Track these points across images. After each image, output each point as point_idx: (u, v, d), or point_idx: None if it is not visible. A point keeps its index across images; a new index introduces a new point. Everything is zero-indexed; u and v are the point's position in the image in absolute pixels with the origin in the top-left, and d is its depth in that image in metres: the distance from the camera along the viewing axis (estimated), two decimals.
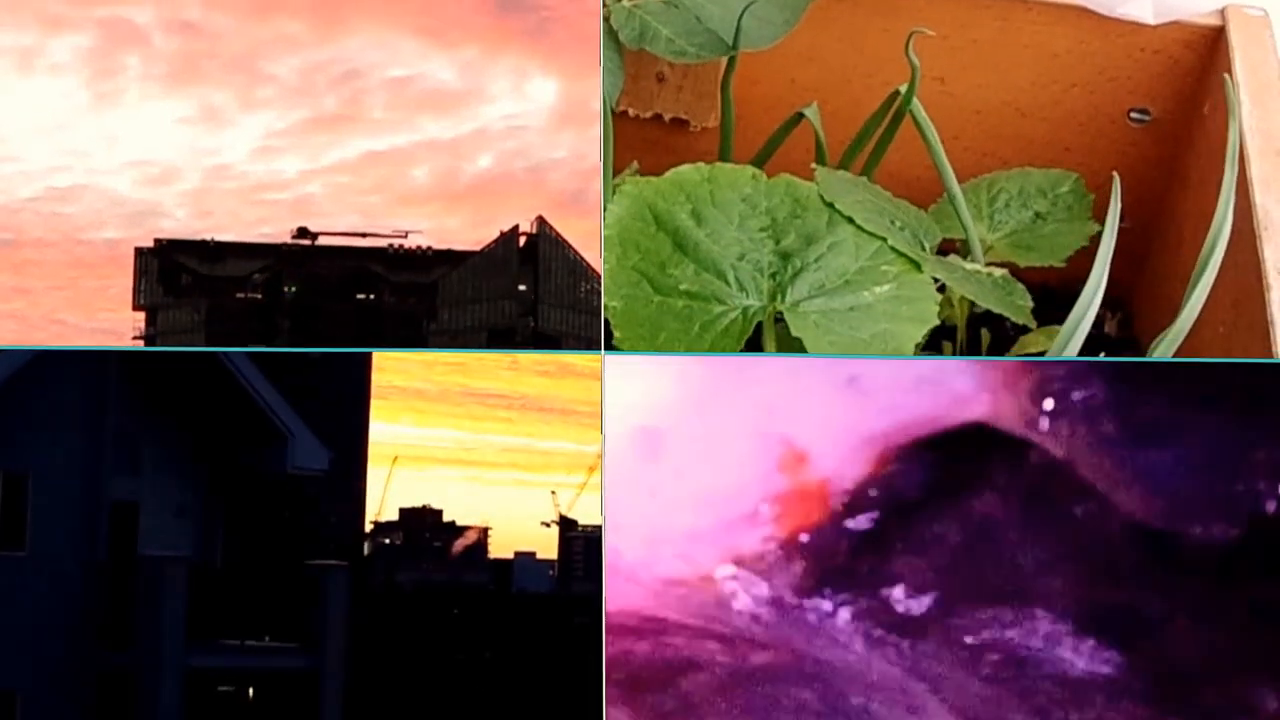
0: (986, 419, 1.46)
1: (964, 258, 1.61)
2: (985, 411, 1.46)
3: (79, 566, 1.91)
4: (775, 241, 1.51)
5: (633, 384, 1.42)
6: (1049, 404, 1.45)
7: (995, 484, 1.46)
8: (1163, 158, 1.79)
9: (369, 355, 1.99)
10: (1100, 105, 1.77)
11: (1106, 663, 1.43)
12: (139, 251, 2.02)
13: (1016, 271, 1.61)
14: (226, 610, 1.97)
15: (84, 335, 1.94)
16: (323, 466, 2.04)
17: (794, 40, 1.68)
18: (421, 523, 2.07)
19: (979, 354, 1.74)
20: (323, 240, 1.99)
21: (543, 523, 2.04)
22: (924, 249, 1.54)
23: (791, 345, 1.48)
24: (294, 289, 2.04)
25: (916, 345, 1.46)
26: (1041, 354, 1.53)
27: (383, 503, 2.02)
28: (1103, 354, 1.54)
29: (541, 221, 2.07)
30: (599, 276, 1.45)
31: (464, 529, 2.08)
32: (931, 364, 1.48)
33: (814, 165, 1.58)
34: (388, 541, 2.06)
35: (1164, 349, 1.45)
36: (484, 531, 2.08)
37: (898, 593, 1.45)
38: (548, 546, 2.05)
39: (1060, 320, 1.49)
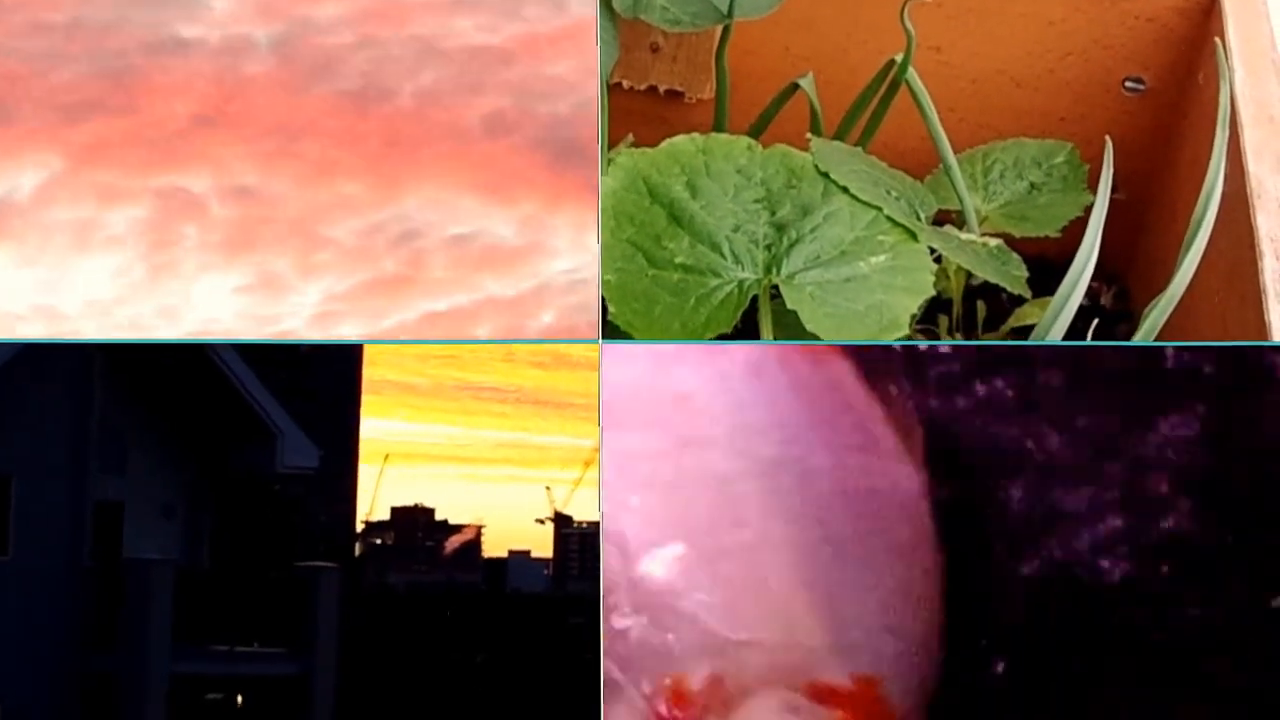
0: None
1: (959, 229, 1.61)
2: None
3: (63, 570, 1.89)
4: (770, 213, 1.50)
5: None
6: None
7: None
8: (1157, 127, 1.79)
9: (360, 348, 1.98)
10: (1095, 74, 1.78)
11: None
12: None
13: (1012, 243, 1.61)
14: (214, 614, 1.94)
15: None
16: (313, 465, 2.02)
17: (789, 9, 1.68)
18: (414, 521, 2.05)
19: (975, 328, 1.73)
20: None
21: (538, 519, 2.02)
22: (920, 219, 1.54)
23: (787, 318, 1.47)
24: None
25: (912, 316, 1.45)
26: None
27: (374, 501, 2.00)
28: (1095, 322, 1.53)
29: None
30: None
31: (457, 527, 2.06)
32: None
33: (809, 135, 1.57)
34: (379, 541, 2.04)
35: (1157, 315, 1.45)
36: (478, 530, 2.07)
37: None
38: (543, 544, 2.04)
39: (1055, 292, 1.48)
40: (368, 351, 1.94)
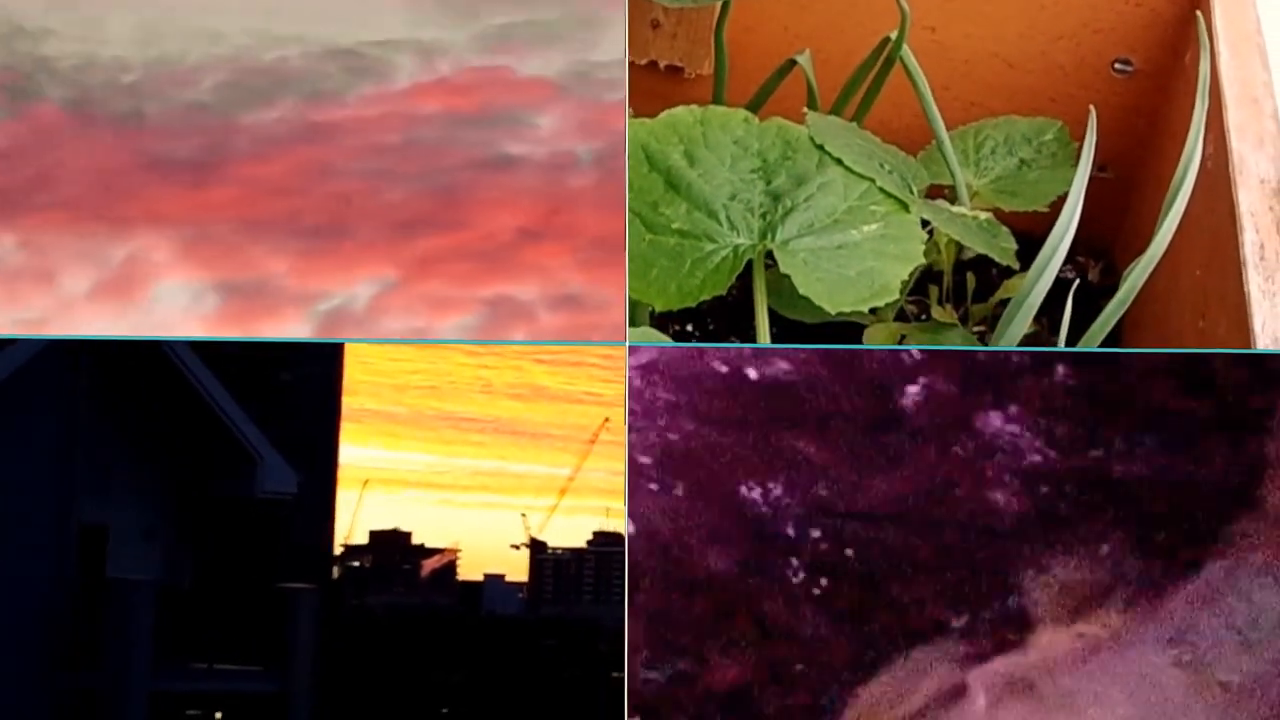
0: None
1: (951, 203, 1.64)
2: None
3: (48, 589, 1.90)
4: (766, 182, 1.53)
5: None
6: None
7: None
8: (1145, 108, 1.82)
9: (340, 368, 1.98)
10: (1085, 57, 1.81)
11: None
12: None
13: (1002, 218, 1.64)
14: (194, 633, 1.95)
15: None
16: (291, 490, 2.03)
17: None
18: (391, 545, 2.05)
19: (965, 298, 1.77)
20: None
21: (513, 545, 2.05)
22: (912, 192, 1.57)
23: (781, 283, 1.51)
24: None
25: (903, 284, 1.48)
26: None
27: (352, 525, 2.02)
28: (1073, 282, 1.54)
29: None
30: None
31: (434, 551, 2.08)
32: None
33: (805, 110, 1.60)
34: (357, 564, 2.05)
35: (1136, 276, 1.47)
36: (454, 554, 2.08)
37: None
38: (518, 569, 2.07)
39: None
40: (347, 381, 1.97)
